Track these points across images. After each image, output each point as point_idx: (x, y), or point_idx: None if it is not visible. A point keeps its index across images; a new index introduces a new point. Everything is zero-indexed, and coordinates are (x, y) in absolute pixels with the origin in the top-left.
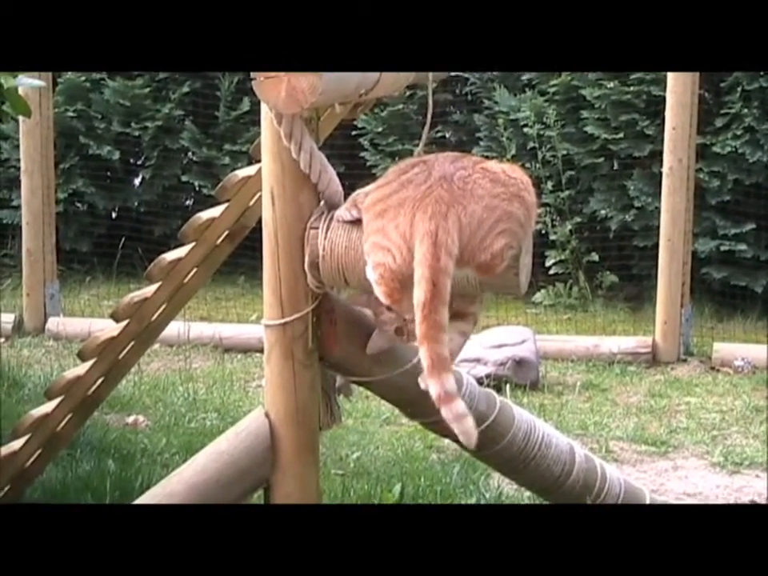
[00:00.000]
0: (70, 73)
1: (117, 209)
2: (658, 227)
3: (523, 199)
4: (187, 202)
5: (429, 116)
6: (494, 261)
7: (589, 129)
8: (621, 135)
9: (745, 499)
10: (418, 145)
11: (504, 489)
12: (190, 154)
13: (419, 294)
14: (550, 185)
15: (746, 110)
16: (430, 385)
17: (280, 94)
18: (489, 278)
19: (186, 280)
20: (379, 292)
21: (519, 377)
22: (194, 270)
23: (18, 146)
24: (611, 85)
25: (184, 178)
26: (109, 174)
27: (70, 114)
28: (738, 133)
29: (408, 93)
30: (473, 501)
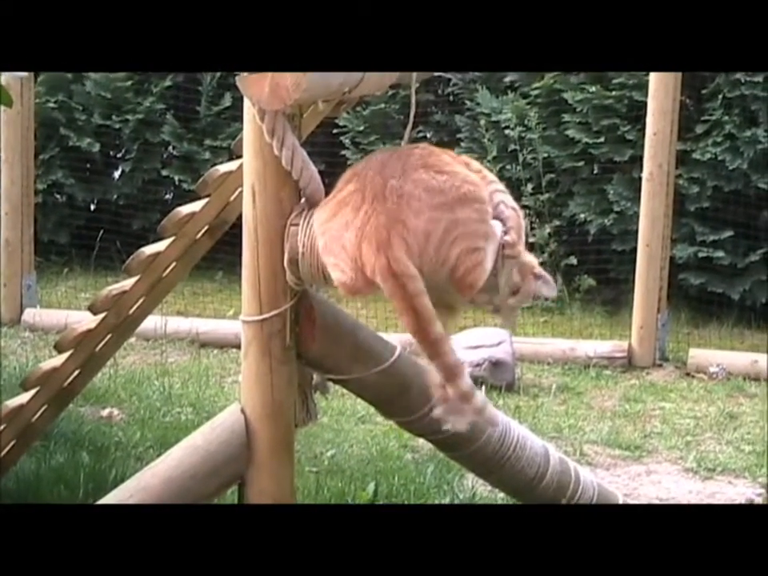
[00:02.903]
0: None
1: (96, 201)
2: (637, 232)
3: (465, 198)
4: (167, 196)
5: (411, 116)
6: (456, 273)
7: (570, 132)
8: (602, 139)
9: None
10: (399, 145)
11: (478, 489)
12: (170, 148)
13: (406, 325)
14: (530, 187)
15: (726, 117)
16: (450, 390)
17: (263, 90)
18: (470, 293)
19: (165, 274)
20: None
21: (495, 378)
22: (173, 264)
23: None
24: (593, 89)
25: (164, 172)
26: (89, 166)
27: (51, 104)
28: (719, 140)
29: (390, 92)
30: (446, 501)
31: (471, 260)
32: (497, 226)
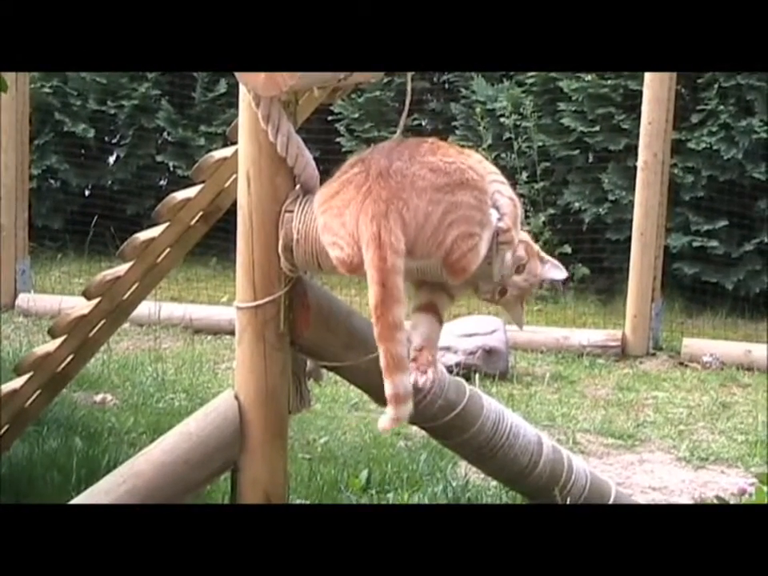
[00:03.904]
0: None
1: (90, 186)
2: (631, 221)
3: (467, 183)
4: (161, 182)
5: (407, 103)
6: (450, 256)
7: (565, 121)
8: (597, 128)
9: (709, 494)
10: (394, 132)
11: (471, 477)
12: (165, 134)
13: (371, 296)
14: (524, 176)
15: (721, 107)
16: (385, 384)
17: (259, 77)
18: (462, 278)
19: (159, 260)
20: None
21: (489, 366)
22: (167, 250)
23: None
24: (588, 78)
25: (159, 158)
26: (83, 151)
27: (46, 90)
28: (714, 129)
29: (385, 80)
30: (439, 488)
31: (467, 244)
32: (492, 214)
